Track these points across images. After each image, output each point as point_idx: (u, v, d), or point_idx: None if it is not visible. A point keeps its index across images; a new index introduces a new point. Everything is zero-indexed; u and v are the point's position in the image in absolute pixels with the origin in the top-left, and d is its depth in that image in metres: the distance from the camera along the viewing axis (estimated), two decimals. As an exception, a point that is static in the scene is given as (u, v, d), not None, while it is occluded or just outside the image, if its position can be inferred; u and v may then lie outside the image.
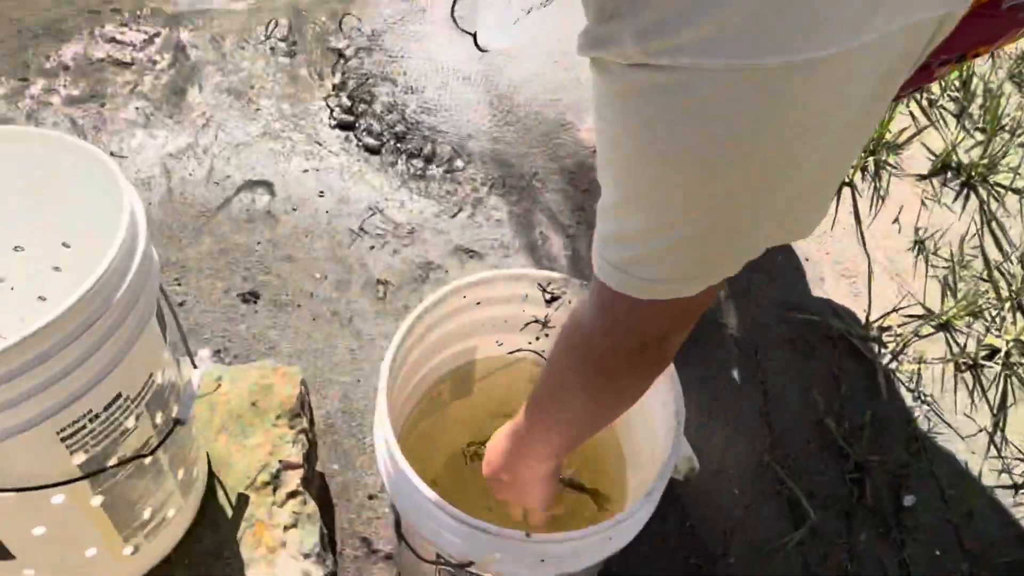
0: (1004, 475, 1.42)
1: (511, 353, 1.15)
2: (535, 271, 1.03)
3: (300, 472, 1.07)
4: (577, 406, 0.81)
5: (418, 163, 1.69)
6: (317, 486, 1.22)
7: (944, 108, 2.01)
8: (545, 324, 1.09)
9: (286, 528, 1.03)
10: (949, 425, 1.47)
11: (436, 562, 0.93)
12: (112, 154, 1.61)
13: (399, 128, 1.73)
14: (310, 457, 1.13)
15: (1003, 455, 1.45)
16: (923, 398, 1.50)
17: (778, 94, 0.48)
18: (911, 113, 1.99)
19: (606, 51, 0.52)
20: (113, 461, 0.80)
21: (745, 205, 0.57)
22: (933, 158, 1.90)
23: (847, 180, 1.82)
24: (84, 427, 0.74)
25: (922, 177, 1.87)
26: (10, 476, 0.73)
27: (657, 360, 0.74)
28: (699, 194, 0.56)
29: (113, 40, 1.81)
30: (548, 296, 1.04)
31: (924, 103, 2.01)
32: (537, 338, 1.12)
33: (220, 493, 1.03)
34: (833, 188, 0.62)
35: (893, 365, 1.53)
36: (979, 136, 1.97)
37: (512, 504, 0.99)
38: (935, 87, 2.05)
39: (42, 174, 0.85)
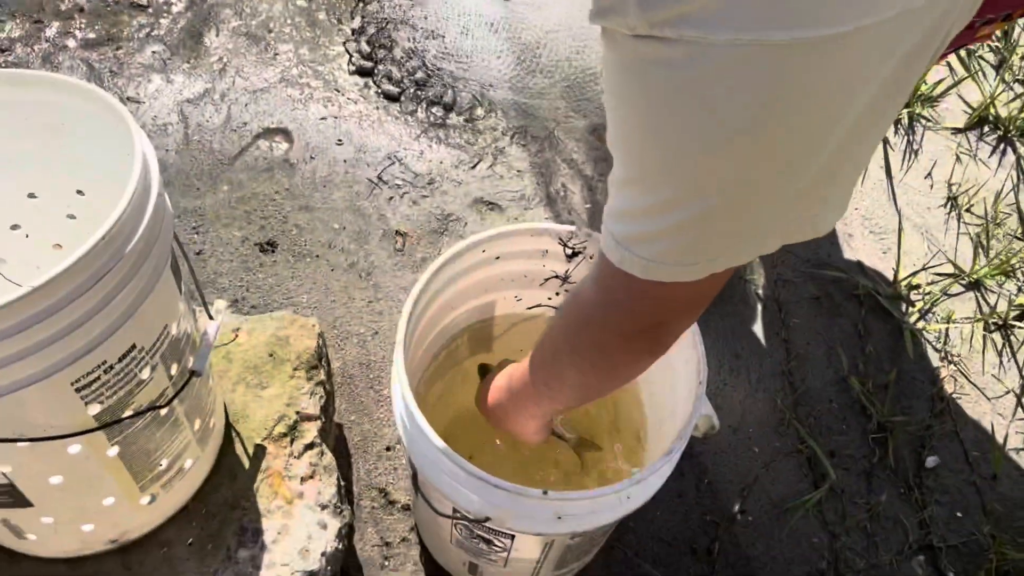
0: (1030, 438, 1.40)
1: (530, 309, 1.13)
2: (556, 225, 1.00)
3: (317, 424, 1.07)
4: (568, 376, 0.79)
5: (438, 111, 1.66)
6: (334, 437, 1.22)
7: (983, 59, 1.94)
8: (565, 279, 1.07)
9: (303, 479, 1.03)
10: (976, 386, 1.45)
11: (453, 516, 0.92)
12: (129, 99, 1.59)
13: (419, 75, 1.69)
14: (327, 409, 1.13)
15: (1030, 417, 1.43)
16: (950, 358, 1.47)
17: (786, 73, 0.45)
18: (948, 64, 1.92)
19: (611, 21, 0.49)
20: (128, 412, 0.80)
21: (749, 190, 0.54)
22: (970, 111, 1.84)
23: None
24: (98, 378, 0.74)
25: (957, 131, 1.81)
26: (26, 426, 0.73)
27: (651, 347, 0.72)
28: (700, 175, 0.53)
29: (129, -18, 1.78)
30: (569, 251, 1.02)
31: (963, 53, 1.93)
32: (557, 293, 1.10)
33: (237, 444, 1.03)
34: (851, 181, 0.58)
35: (920, 324, 1.50)
36: (1019, 89, 1.90)
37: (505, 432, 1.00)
38: (975, 37, 1.97)
39: (54, 120, 0.84)
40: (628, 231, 0.60)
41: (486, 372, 1.08)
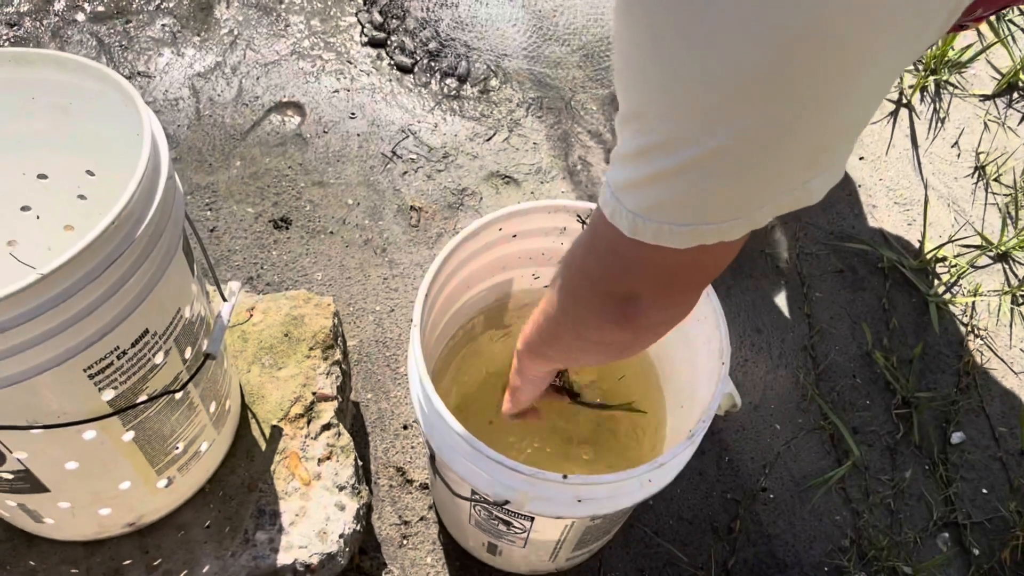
0: (1058, 413, 1.37)
1: (547, 287, 1.11)
2: (573, 202, 0.98)
3: (334, 404, 1.06)
4: (546, 327, 0.76)
5: (452, 83, 1.63)
6: (351, 416, 1.21)
7: (1013, 23, 1.88)
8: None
9: (320, 461, 1.02)
10: (1003, 360, 1.42)
11: (471, 499, 0.91)
12: (139, 74, 1.57)
13: (432, 45, 1.66)
14: (344, 389, 1.12)
15: (1058, 392, 1.40)
16: (976, 332, 1.44)
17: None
18: (977, 29, 1.86)
19: None
20: (143, 397, 0.79)
21: (748, 137, 0.48)
22: (999, 77, 1.78)
23: (905, 101, 1.72)
24: (112, 364, 0.73)
25: (986, 98, 1.76)
26: (40, 413, 0.72)
27: (617, 317, 0.65)
28: (694, 109, 0.48)
29: (137, -47, 1.75)
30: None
31: (992, 18, 1.87)
32: (576, 270, 1.08)
33: (253, 425, 1.03)
34: (852, 141, 0.53)
35: (946, 297, 1.47)
36: (1050, 53, 1.84)
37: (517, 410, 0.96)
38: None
39: (62, 100, 0.82)
40: (619, 177, 0.55)
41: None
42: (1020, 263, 1.53)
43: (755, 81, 0.44)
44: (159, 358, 0.78)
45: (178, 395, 0.83)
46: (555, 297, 0.73)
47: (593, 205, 0.98)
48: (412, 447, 1.25)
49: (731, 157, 0.49)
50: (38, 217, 0.94)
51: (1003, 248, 1.52)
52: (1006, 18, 1.88)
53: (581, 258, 0.66)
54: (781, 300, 1.44)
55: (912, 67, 1.77)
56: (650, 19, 0.46)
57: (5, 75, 0.80)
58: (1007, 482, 1.30)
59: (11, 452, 0.76)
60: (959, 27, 1.07)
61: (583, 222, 0.98)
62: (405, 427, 1.27)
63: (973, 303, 1.47)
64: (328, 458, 1.03)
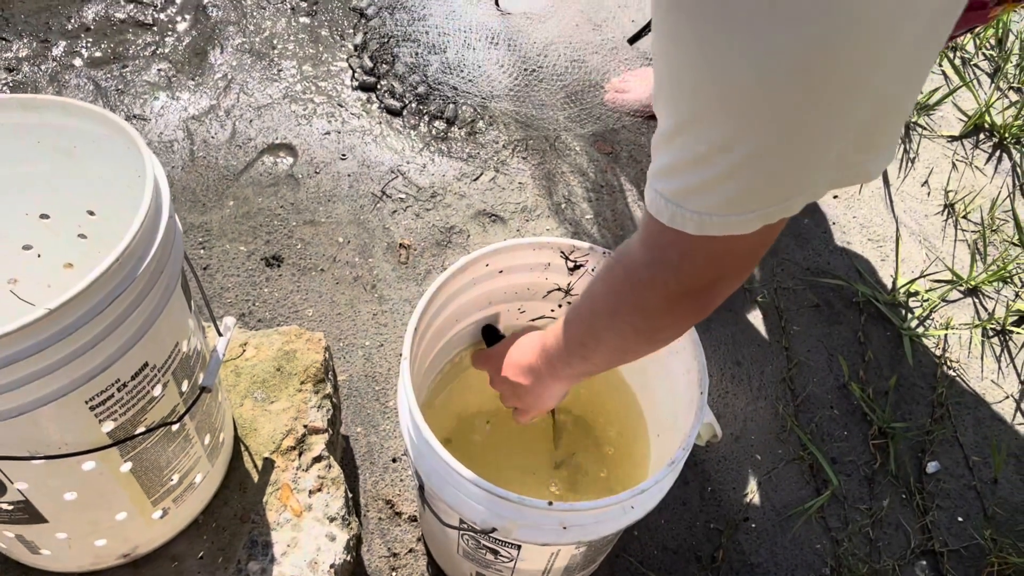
0: (1030, 442, 1.41)
1: (533, 320, 1.15)
2: (558, 239, 1.02)
3: (325, 437, 1.09)
4: (606, 338, 0.79)
5: (440, 125, 1.68)
6: (341, 449, 1.23)
7: (978, 67, 1.96)
8: (567, 292, 1.08)
9: (311, 492, 1.04)
10: (975, 392, 1.46)
11: (459, 527, 0.94)
12: (135, 117, 1.61)
13: (421, 89, 1.72)
14: (335, 422, 1.14)
15: (1029, 422, 1.44)
16: (949, 364, 1.49)
17: None
18: (943, 73, 1.94)
19: None
20: (141, 428, 0.81)
21: (799, 127, 0.53)
22: (965, 119, 1.86)
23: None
24: (112, 396, 0.75)
25: (953, 138, 1.83)
26: (41, 444, 0.75)
27: (697, 309, 0.71)
28: (753, 108, 0.52)
29: (134, 0, 1.80)
30: (571, 264, 1.04)
31: (957, 62, 1.95)
32: (560, 305, 1.11)
33: (246, 458, 1.05)
34: (899, 125, 0.57)
35: (919, 331, 1.52)
36: (1014, 96, 1.91)
37: (507, 400, 1.01)
38: (970, 45, 1.99)
39: (65, 143, 0.85)
40: (678, 185, 0.59)
41: (493, 335, 1.09)
42: (989, 297, 1.59)
43: (800, 72, 0.49)
44: (157, 390, 0.81)
45: (175, 427, 0.86)
46: (610, 321, 0.76)
47: (575, 242, 1.02)
48: (401, 480, 1.28)
49: (788, 144, 0.54)
50: (39, 256, 0.97)
51: (973, 283, 1.58)
52: (971, 63, 1.96)
53: (647, 276, 0.69)
54: (760, 334, 1.48)
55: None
56: (698, 34, 0.51)
57: (12, 120, 0.84)
58: (982, 510, 1.33)
59: (12, 483, 0.78)
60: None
61: (566, 257, 1.02)
62: (394, 460, 1.29)
63: (945, 336, 1.52)
64: (319, 490, 1.05)
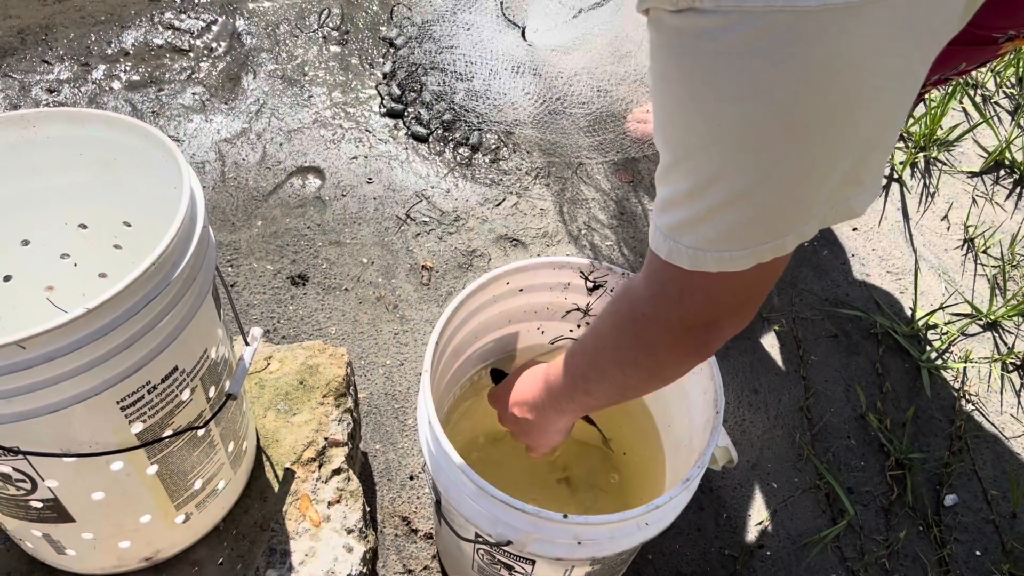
0: (1050, 478, 1.41)
1: (552, 342, 1.16)
2: (577, 259, 1.04)
3: (345, 450, 1.10)
4: (609, 373, 0.80)
5: (465, 151, 1.72)
6: (360, 464, 1.25)
7: (999, 105, 1.97)
8: (586, 312, 1.10)
9: (330, 504, 1.06)
10: (994, 425, 1.46)
11: (475, 541, 0.95)
12: (169, 138, 1.66)
13: (447, 116, 1.76)
14: (355, 436, 1.16)
15: (1050, 458, 1.43)
16: (967, 397, 1.48)
17: (819, 40, 0.47)
18: (964, 110, 1.95)
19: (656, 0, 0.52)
20: (168, 432, 0.83)
21: (784, 165, 0.55)
22: (986, 155, 1.87)
23: (896, 176, 1.80)
24: (143, 397, 0.78)
25: (974, 174, 1.84)
26: (73, 442, 0.77)
27: (698, 347, 0.72)
28: (741, 146, 0.54)
29: (172, 27, 1.86)
30: (590, 284, 1.06)
31: (978, 99, 1.97)
32: (579, 326, 1.13)
33: (267, 468, 1.07)
34: (882, 162, 0.59)
35: (938, 363, 1.52)
36: (1035, 133, 1.93)
37: (516, 437, 1.02)
38: (990, 83, 2.01)
39: (106, 155, 0.89)
40: (673, 220, 0.62)
41: (499, 377, 1.11)
42: (1009, 332, 1.58)
43: (786, 113, 0.52)
44: (186, 395, 0.83)
45: (200, 432, 0.88)
46: (614, 355, 0.77)
47: (594, 262, 1.04)
48: (418, 497, 1.29)
49: (775, 181, 0.56)
50: (75, 264, 1.00)
51: (992, 317, 1.58)
52: (991, 100, 1.97)
53: (650, 311, 0.71)
54: (778, 363, 1.48)
55: (902, 144, 1.86)
56: (687, 75, 0.54)
57: (57, 132, 0.87)
58: (1000, 544, 1.32)
59: (43, 480, 0.81)
60: (943, 81, 1.15)
61: (586, 278, 1.04)
62: (411, 478, 1.30)
63: (964, 369, 1.51)
64: (338, 501, 1.07)
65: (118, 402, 0.76)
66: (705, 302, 0.67)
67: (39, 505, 0.83)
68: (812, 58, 0.49)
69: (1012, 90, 2.00)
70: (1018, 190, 1.82)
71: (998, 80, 2.01)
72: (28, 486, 0.80)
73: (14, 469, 0.77)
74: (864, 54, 0.49)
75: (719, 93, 0.53)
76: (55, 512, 0.84)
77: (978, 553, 1.31)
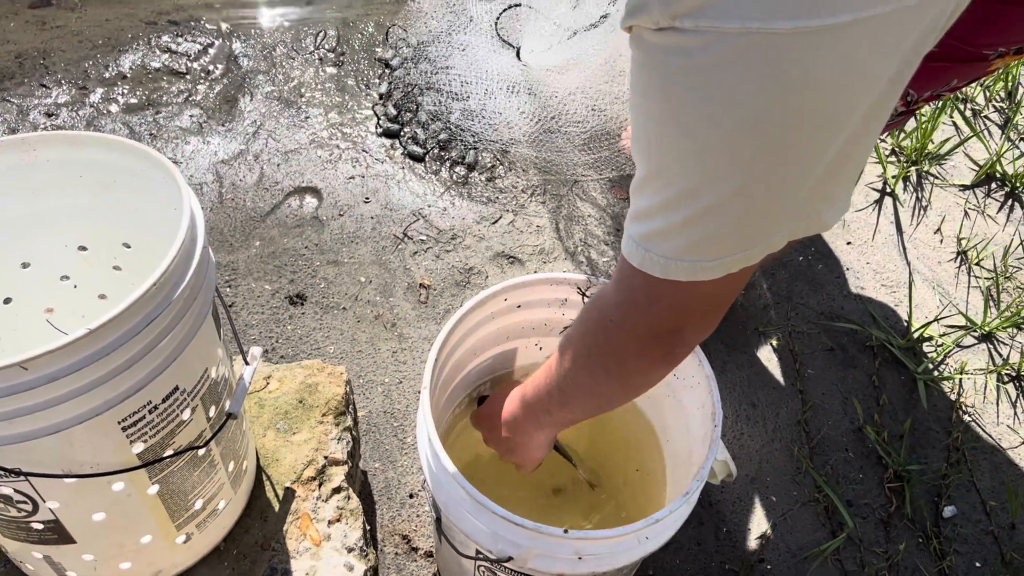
0: (1048, 488, 1.41)
1: (549, 357, 1.17)
2: (574, 275, 1.05)
3: (345, 468, 1.11)
4: (582, 381, 0.81)
5: (461, 170, 1.73)
6: (360, 483, 1.25)
7: (988, 119, 1.99)
8: (584, 328, 1.11)
9: (330, 522, 1.06)
10: (991, 437, 1.46)
11: (475, 557, 0.95)
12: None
13: (443, 136, 1.77)
14: (354, 454, 1.16)
15: (1047, 468, 1.43)
16: (964, 409, 1.49)
17: (791, 61, 0.49)
18: (954, 124, 1.97)
19: (639, 18, 0.54)
20: (169, 451, 0.84)
21: (757, 179, 0.56)
22: (977, 168, 1.88)
23: (889, 190, 1.82)
24: (144, 417, 0.78)
25: (965, 187, 1.85)
26: (75, 463, 0.77)
27: (664, 355, 0.74)
28: (714, 162, 0.56)
29: (169, 50, 1.88)
30: (587, 300, 1.07)
31: (968, 113, 1.99)
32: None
33: (268, 487, 1.07)
34: (853, 178, 0.61)
35: (934, 375, 1.52)
36: (1025, 146, 1.94)
37: (502, 456, 1.03)
38: (980, 98, 2.03)
39: (106, 177, 0.90)
40: (646, 229, 0.63)
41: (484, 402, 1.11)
42: (1004, 343, 1.59)
43: (759, 128, 0.53)
44: (186, 414, 0.84)
45: (201, 452, 0.88)
46: (585, 362, 0.79)
47: (591, 278, 1.05)
48: (418, 515, 1.29)
49: (747, 195, 0.58)
50: (75, 286, 1.01)
51: (987, 329, 1.59)
52: (981, 114, 1.99)
53: (618, 317, 0.72)
54: (775, 376, 1.49)
55: (895, 158, 1.87)
56: (664, 90, 0.56)
57: (58, 155, 0.88)
58: (999, 555, 1.32)
59: (44, 501, 0.81)
60: (935, 96, 1.16)
61: (583, 294, 1.05)
62: (411, 496, 1.31)
63: (960, 380, 1.52)
64: (338, 520, 1.07)
65: (119, 422, 0.76)
66: (672, 309, 0.68)
67: (40, 527, 0.83)
68: (786, 77, 0.50)
69: (1001, 104, 2.02)
70: (1009, 202, 1.83)
71: (988, 94, 2.03)
72: (29, 507, 0.80)
73: (15, 491, 0.77)
74: (837, 73, 0.50)
75: (696, 109, 0.54)
76: (56, 534, 0.84)
77: (978, 564, 1.31)
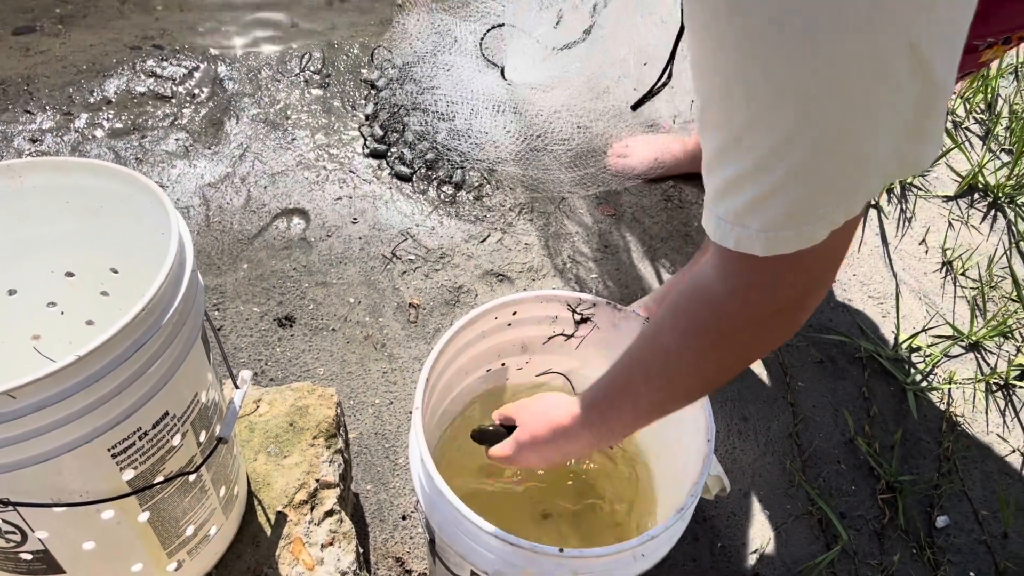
0: (1039, 496, 1.42)
1: (539, 376, 1.17)
2: (565, 292, 1.05)
3: (337, 491, 1.10)
4: (680, 382, 0.76)
5: (448, 189, 1.73)
6: (352, 505, 1.24)
7: (969, 130, 2.02)
8: (569, 337, 1.11)
9: (323, 546, 1.05)
10: (981, 445, 1.47)
11: (470, 579, 0.94)
12: (153, 184, 1.67)
13: (430, 155, 1.77)
14: (346, 477, 1.16)
15: (1037, 476, 1.44)
16: (954, 418, 1.50)
17: None
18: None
19: None
20: (160, 478, 0.83)
21: (849, 120, 0.53)
22: (959, 179, 1.90)
23: (873, 202, 1.83)
24: (133, 444, 0.77)
25: (948, 198, 1.87)
26: (64, 491, 0.76)
27: (788, 326, 0.69)
28: (807, 105, 0.53)
29: (154, 75, 1.88)
30: (577, 317, 1.07)
31: (949, 125, 2.01)
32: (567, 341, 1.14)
33: (259, 511, 1.06)
34: (945, 107, 0.57)
35: (923, 385, 1.53)
36: (1005, 157, 1.97)
37: (513, 465, 0.98)
38: (960, 109, 2.05)
39: (92, 203, 0.89)
40: (736, 205, 0.59)
41: (483, 437, 1.06)
42: (991, 352, 1.60)
43: (851, 71, 0.50)
44: (177, 440, 0.83)
45: (192, 477, 0.88)
46: (695, 363, 0.74)
47: (581, 295, 1.05)
48: (411, 537, 1.28)
49: (848, 137, 0.54)
50: (62, 313, 1.00)
51: (974, 338, 1.60)
52: (962, 126, 2.01)
53: (733, 309, 0.68)
54: (765, 389, 1.49)
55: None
56: (749, 37, 0.52)
57: (44, 181, 0.88)
58: (993, 565, 1.32)
59: (33, 531, 0.80)
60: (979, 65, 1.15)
61: (573, 310, 1.05)
62: (404, 517, 1.30)
63: (949, 390, 1.53)
64: (331, 544, 1.06)
65: (109, 449, 0.76)
66: (791, 283, 0.64)
67: (29, 557, 0.82)
68: (887, 13, 0.47)
69: (982, 116, 2.05)
70: (992, 212, 1.85)
71: (968, 107, 2.06)
72: (18, 538, 0.79)
73: (3, 521, 0.76)
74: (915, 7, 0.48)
75: (789, 50, 0.51)
76: (45, 564, 0.83)
77: (972, 574, 1.31)
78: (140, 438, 0.78)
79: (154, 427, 0.79)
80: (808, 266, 0.63)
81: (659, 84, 1.33)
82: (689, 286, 0.73)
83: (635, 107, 1.61)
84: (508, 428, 1.00)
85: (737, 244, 0.61)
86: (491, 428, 1.02)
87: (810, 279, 0.65)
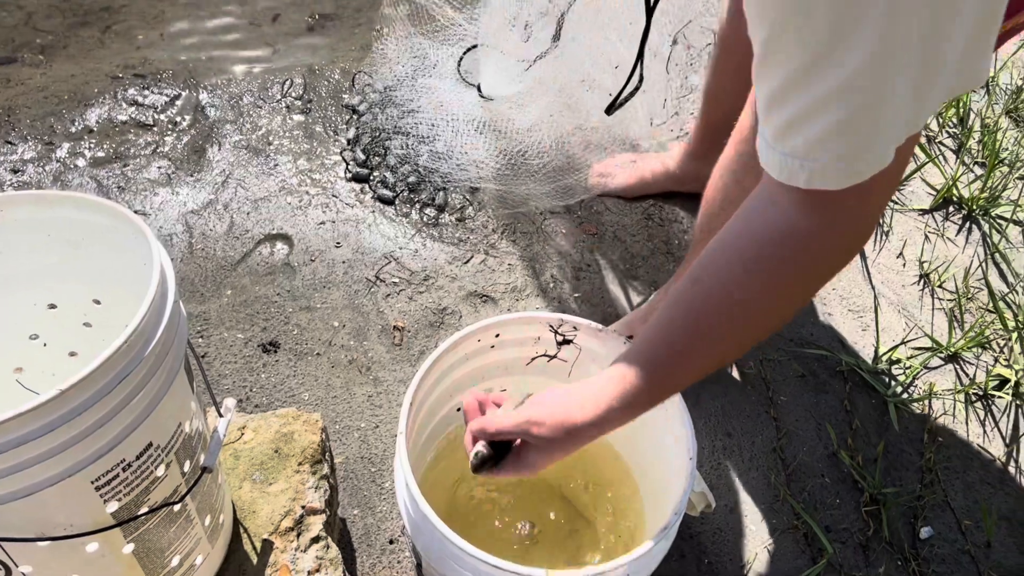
0: (1021, 504, 1.43)
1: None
2: (547, 314, 1.06)
3: (323, 517, 1.10)
4: (760, 323, 0.76)
5: (431, 212, 1.74)
6: (339, 531, 1.24)
7: (943, 144, 2.05)
8: (552, 358, 1.12)
9: (310, 573, 1.05)
10: (962, 456, 1.48)
11: (457, 602, 0.94)
12: (136, 212, 1.67)
13: (412, 178, 1.79)
14: (332, 502, 1.16)
15: (1019, 484, 1.46)
16: (935, 429, 1.51)
17: None
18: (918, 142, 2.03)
19: None
20: (144, 509, 0.83)
21: (929, 25, 0.54)
22: (934, 193, 1.93)
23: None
24: (117, 476, 0.78)
25: (924, 212, 1.90)
26: (47, 525, 0.76)
27: (865, 240, 0.72)
28: (890, 19, 0.53)
29: (135, 103, 1.88)
30: (560, 339, 1.08)
31: (923, 140, 2.04)
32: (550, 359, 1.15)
33: (245, 539, 1.06)
34: (996, 26, 0.59)
35: (904, 397, 1.55)
36: (978, 171, 2.00)
37: (535, 474, 0.91)
38: (933, 124, 2.09)
39: (75, 235, 0.90)
40: (811, 134, 0.60)
41: (483, 465, 0.94)
42: (970, 363, 1.63)
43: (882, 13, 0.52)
44: (161, 470, 0.83)
45: (177, 507, 0.88)
46: (775, 300, 0.74)
47: (563, 316, 1.06)
48: (398, 562, 1.28)
49: (923, 48, 0.55)
50: (45, 345, 1.00)
51: (952, 349, 1.62)
52: (936, 140, 2.05)
53: (820, 246, 0.69)
54: (748, 405, 1.51)
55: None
56: None
57: (25, 215, 0.88)
58: (977, 574, 1.34)
59: (17, 566, 0.79)
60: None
61: (555, 332, 1.06)
62: (391, 542, 1.30)
63: (929, 402, 1.55)
64: (317, 570, 1.06)
65: (92, 482, 0.76)
66: (875, 204, 0.67)
67: (12, 592, 0.82)
68: None
69: (954, 130, 2.08)
70: (967, 225, 1.88)
71: (940, 121, 2.09)
72: (2, 573, 0.79)
73: (-13, 556, 0.76)
74: None
75: None
76: (29, 598, 0.83)
77: (956, 584, 1.33)
78: (124, 470, 0.78)
79: (138, 458, 0.79)
80: (882, 188, 0.65)
81: (630, 85, 1.35)
82: (756, 238, 0.72)
83: (609, 111, 1.63)
84: (496, 445, 0.95)
85: (809, 181, 0.62)
86: (486, 452, 0.93)
87: (883, 200, 0.68)
